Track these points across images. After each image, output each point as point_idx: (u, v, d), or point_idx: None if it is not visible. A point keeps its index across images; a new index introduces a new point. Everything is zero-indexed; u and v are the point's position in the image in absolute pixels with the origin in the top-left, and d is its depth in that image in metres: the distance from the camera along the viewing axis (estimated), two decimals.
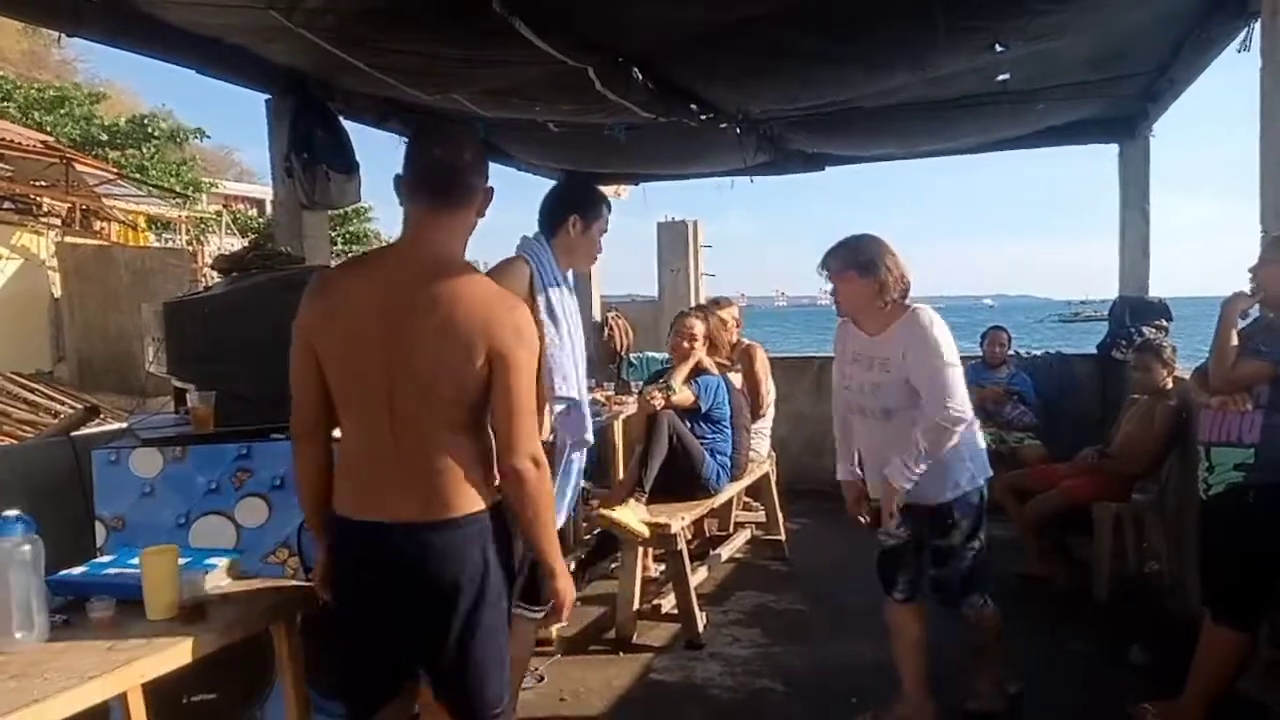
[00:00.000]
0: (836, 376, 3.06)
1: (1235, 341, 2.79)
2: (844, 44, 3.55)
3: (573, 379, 2.67)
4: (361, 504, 1.82)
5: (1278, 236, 2.85)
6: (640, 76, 3.87)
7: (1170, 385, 4.36)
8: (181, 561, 2.01)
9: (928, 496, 2.86)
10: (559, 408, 2.65)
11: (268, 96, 4.31)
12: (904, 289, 2.82)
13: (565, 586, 1.97)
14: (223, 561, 2.17)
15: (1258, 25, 3.25)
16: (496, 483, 1.89)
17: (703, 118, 4.60)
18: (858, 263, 2.80)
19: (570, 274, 2.80)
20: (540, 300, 2.62)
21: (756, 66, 3.90)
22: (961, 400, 2.72)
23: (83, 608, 1.91)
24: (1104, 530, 4.35)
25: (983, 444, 3.03)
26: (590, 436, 2.78)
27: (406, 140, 1.96)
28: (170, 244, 19.71)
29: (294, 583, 2.31)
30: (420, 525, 1.78)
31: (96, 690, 1.65)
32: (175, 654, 1.82)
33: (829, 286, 2.89)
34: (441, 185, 1.82)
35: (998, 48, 3.53)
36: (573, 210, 2.74)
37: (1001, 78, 4.07)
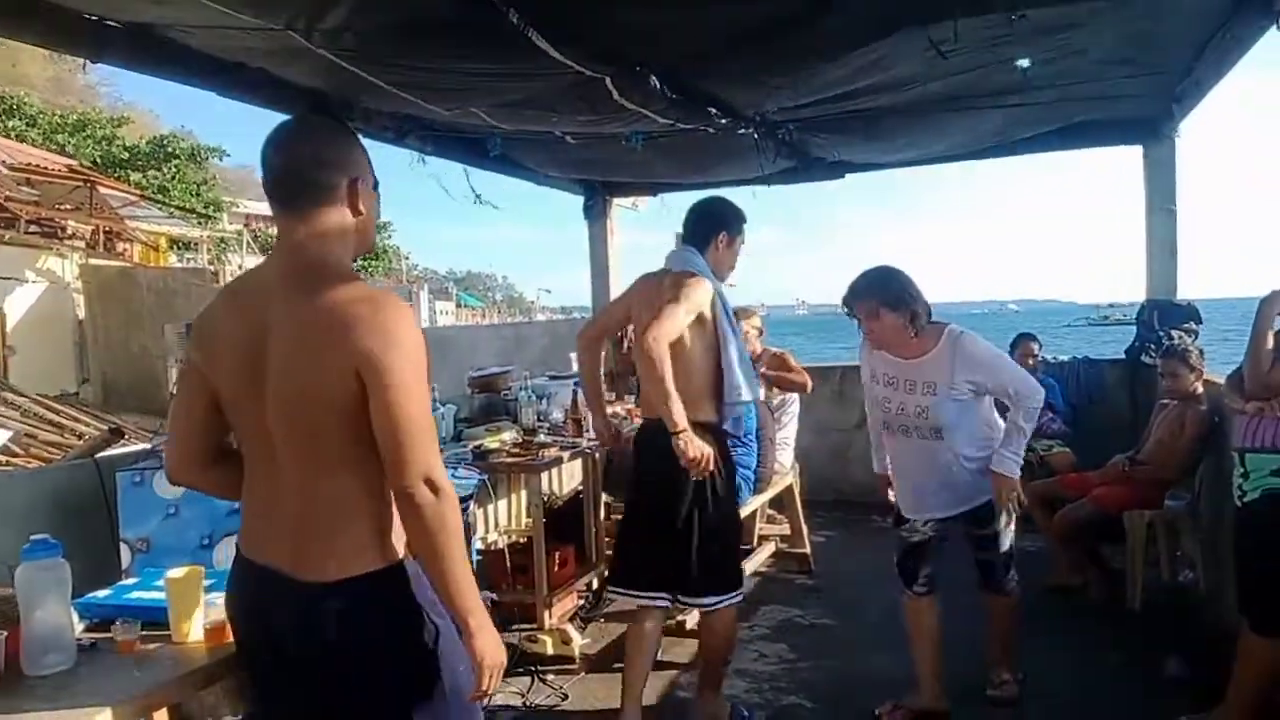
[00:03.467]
0: (870, 395, 3.22)
1: (1271, 344, 2.73)
2: (857, 28, 3.46)
3: (752, 385, 3.06)
4: (247, 542, 1.66)
5: None
6: (658, 84, 3.86)
7: (1200, 389, 4.28)
8: (206, 583, 2.00)
9: (975, 500, 3.05)
10: (738, 412, 3.09)
11: (286, 117, 4.34)
12: (928, 313, 3.01)
13: (485, 647, 1.56)
14: None
15: None
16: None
17: (722, 121, 4.57)
18: (885, 299, 2.97)
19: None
20: (721, 316, 2.98)
21: (771, 63, 3.85)
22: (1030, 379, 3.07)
23: (109, 631, 1.90)
24: (1136, 539, 4.27)
25: None
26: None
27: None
28: (192, 264, 19.95)
29: None
30: (292, 580, 1.55)
31: (122, 714, 1.64)
32: (201, 677, 1.81)
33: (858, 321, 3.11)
34: (287, 190, 1.60)
35: (1013, 17, 3.40)
36: (721, 227, 3.07)
37: (1021, 63, 3.96)
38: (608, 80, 3.68)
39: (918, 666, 3.21)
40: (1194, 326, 5.46)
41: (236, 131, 16.91)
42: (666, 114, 4.21)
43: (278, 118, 4.63)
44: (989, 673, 3.31)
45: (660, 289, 2.97)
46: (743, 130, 4.85)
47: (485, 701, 1.63)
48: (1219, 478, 3.82)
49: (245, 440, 1.65)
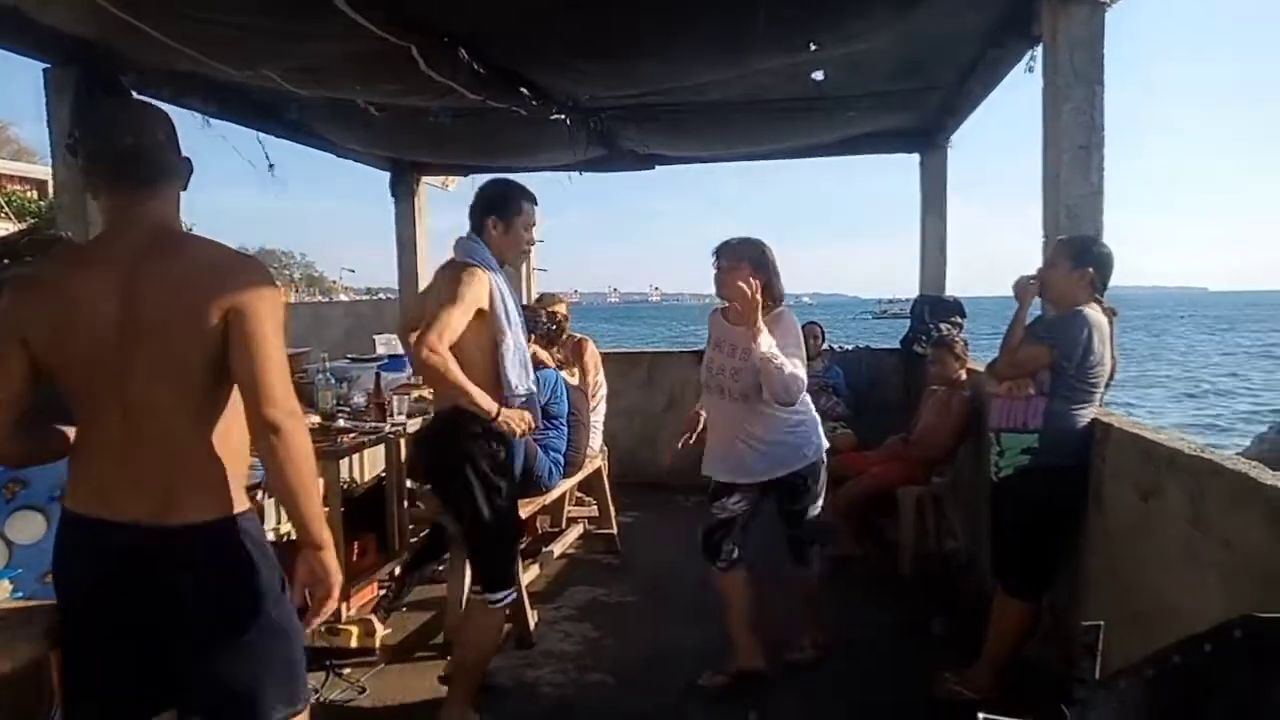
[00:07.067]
0: (705, 359, 3.41)
1: (1025, 323, 3.08)
2: (668, 29, 3.55)
3: (525, 377, 2.97)
4: (88, 500, 1.67)
5: (1061, 240, 3.12)
6: (466, 57, 3.76)
7: (964, 377, 4.73)
8: None
9: (787, 464, 3.24)
10: (518, 403, 2.93)
11: (46, 66, 3.87)
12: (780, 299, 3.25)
13: (333, 563, 1.76)
14: None
15: (1040, 49, 3.58)
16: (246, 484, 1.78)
17: (533, 103, 4.53)
18: (753, 258, 3.18)
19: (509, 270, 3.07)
20: (499, 308, 2.86)
21: (582, 49, 3.86)
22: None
23: None
24: (907, 512, 4.67)
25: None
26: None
27: (84, 123, 1.85)
28: None
29: None
30: (150, 529, 1.64)
31: None
32: None
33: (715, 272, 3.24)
34: (144, 172, 1.71)
35: (812, 46, 3.64)
36: (489, 213, 2.96)
37: (816, 76, 4.23)
38: (413, 49, 3.54)
39: (733, 633, 3.39)
40: (959, 320, 6.01)
41: None
42: (477, 90, 4.11)
43: (31, 66, 4.13)
44: (794, 637, 3.57)
45: (443, 282, 2.89)
46: (554, 115, 4.83)
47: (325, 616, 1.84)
48: (978, 456, 4.25)
49: (100, 402, 1.66)
